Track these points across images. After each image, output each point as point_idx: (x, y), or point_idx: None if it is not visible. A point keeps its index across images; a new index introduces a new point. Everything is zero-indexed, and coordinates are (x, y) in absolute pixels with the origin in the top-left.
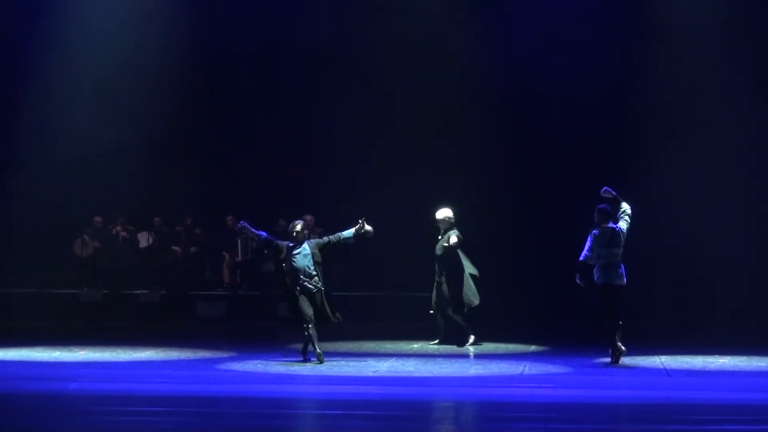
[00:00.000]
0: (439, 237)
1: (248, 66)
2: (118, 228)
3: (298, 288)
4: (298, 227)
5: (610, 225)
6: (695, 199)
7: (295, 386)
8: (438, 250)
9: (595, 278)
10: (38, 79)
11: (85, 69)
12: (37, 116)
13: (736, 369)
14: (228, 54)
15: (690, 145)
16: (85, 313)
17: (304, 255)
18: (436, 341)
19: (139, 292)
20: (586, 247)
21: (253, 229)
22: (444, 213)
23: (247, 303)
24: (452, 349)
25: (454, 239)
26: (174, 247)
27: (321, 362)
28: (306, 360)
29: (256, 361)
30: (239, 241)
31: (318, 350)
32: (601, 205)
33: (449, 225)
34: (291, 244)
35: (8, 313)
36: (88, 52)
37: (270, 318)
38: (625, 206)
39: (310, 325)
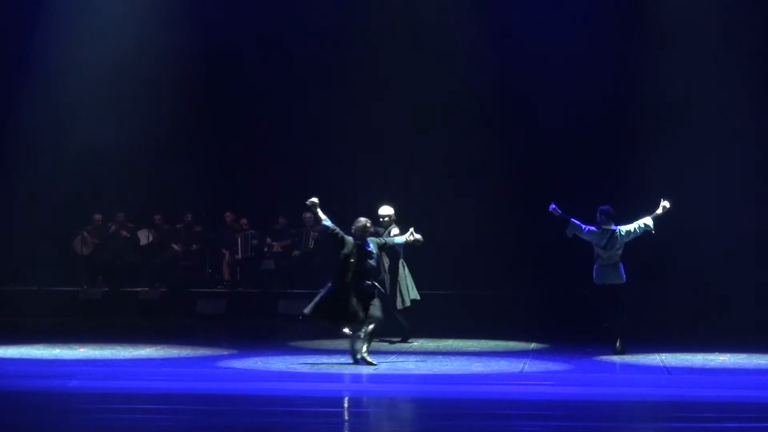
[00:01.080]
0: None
1: (249, 64)
2: (115, 226)
3: (362, 288)
4: (369, 224)
5: (612, 227)
6: (695, 197)
7: (295, 384)
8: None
9: (594, 278)
10: (38, 76)
11: (86, 66)
12: (38, 114)
13: (737, 367)
14: (229, 52)
15: (690, 144)
16: (85, 310)
17: (373, 258)
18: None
19: (138, 289)
20: (582, 224)
21: (320, 212)
22: (388, 210)
23: (247, 300)
24: (452, 346)
25: (396, 231)
26: (174, 245)
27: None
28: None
29: (256, 359)
30: (239, 239)
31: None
32: (604, 207)
33: (391, 222)
34: (359, 242)
35: (8, 311)
36: (89, 49)
37: (270, 315)
38: (648, 222)
39: (353, 326)
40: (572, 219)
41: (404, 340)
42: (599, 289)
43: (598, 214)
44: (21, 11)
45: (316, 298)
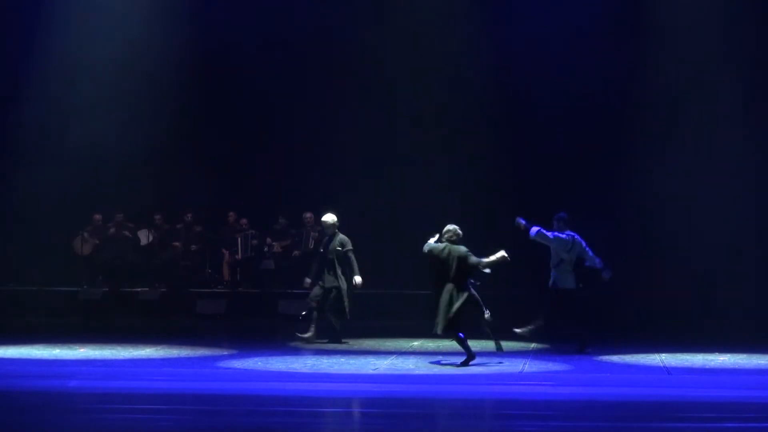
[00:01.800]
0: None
1: (249, 65)
2: (115, 226)
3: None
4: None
5: (569, 232)
6: (694, 197)
7: (295, 384)
8: (335, 253)
9: (550, 282)
10: (38, 76)
11: (87, 66)
12: (38, 114)
13: (736, 367)
14: (229, 52)
15: (689, 145)
16: (85, 310)
17: None
18: (309, 334)
19: (138, 289)
20: (546, 231)
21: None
22: (332, 218)
23: (247, 300)
24: (452, 346)
25: (342, 237)
26: (174, 243)
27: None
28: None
29: (255, 359)
30: (239, 239)
31: (472, 350)
32: (561, 214)
33: (335, 229)
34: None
35: (8, 311)
36: (90, 49)
37: (270, 315)
38: (590, 256)
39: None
40: (540, 229)
41: (336, 341)
42: (553, 293)
43: (555, 222)
44: (21, 11)
45: (452, 314)
